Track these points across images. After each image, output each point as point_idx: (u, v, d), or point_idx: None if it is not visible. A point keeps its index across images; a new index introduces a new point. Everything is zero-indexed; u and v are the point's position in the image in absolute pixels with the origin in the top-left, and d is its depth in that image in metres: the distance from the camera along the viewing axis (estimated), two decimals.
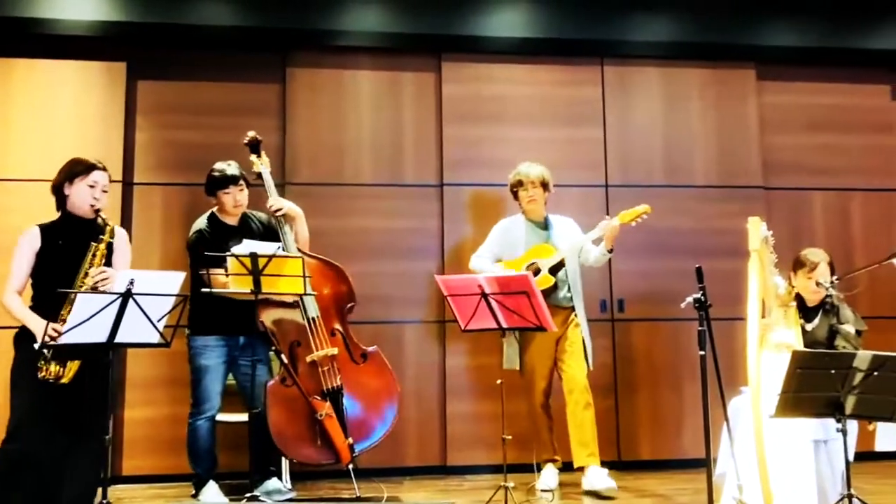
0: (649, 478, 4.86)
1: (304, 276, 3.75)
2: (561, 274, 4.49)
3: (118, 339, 3.14)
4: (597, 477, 4.24)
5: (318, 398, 4.06)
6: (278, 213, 4.27)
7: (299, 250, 4.24)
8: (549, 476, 4.45)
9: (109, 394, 3.29)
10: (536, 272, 4.42)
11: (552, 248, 4.48)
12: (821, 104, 5.70)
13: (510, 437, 3.79)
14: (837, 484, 3.42)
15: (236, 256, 3.70)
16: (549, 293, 4.39)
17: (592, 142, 5.38)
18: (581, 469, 4.34)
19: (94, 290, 3.30)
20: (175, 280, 3.25)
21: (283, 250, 4.16)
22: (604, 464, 4.39)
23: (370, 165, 5.25)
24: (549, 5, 5.39)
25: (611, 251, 4.43)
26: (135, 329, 3.16)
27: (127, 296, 3.08)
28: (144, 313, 3.14)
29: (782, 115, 5.66)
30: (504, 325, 3.77)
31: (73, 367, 3.30)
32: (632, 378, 5.23)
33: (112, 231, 3.51)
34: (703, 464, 3.23)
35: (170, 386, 4.86)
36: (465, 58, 5.37)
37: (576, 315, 4.51)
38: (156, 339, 3.22)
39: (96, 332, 3.09)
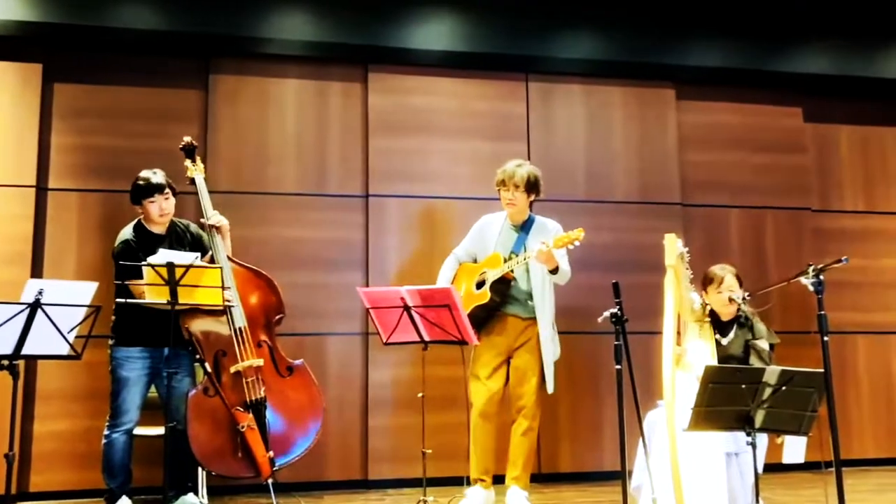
0: (568, 490, 4.93)
1: (222, 287, 3.68)
2: (522, 284, 4.31)
3: (25, 350, 3.03)
4: (512, 499, 4.21)
5: (241, 409, 4.00)
6: (217, 225, 4.20)
7: (229, 258, 4.18)
8: (474, 498, 4.23)
9: None
10: (482, 283, 4.29)
11: (501, 260, 4.30)
12: (737, 124, 5.90)
13: (430, 451, 3.78)
14: (748, 495, 3.52)
15: (152, 266, 3.61)
16: (508, 302, 4.29)
17: (516, 156, 5.35)
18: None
19: None
20: (87, 290, 3.15)
21: (215, 261, 4.10)
22: None
23: (294, 175, 5.19)
24: (476, 20, 5.44)
25: (554, 272, 4.25)
26: (44, 341, 3.06)
27: (35, 306, 2.97)
28: (54, 324, 3.04)
29: (700, 134, 5.83)
30: (426, 339, 3.77)
31: None
32: (554, 391, 5.28)
33: None
34: (620, 476, 3.29)
35: (87, 398, 4.71)
36: (392, 69, 5.37)
37: (538, 330, 4.27)
38: (66, 350, 3.12)
39: (1, 344, 2.97)
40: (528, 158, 5.44)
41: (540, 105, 5.59)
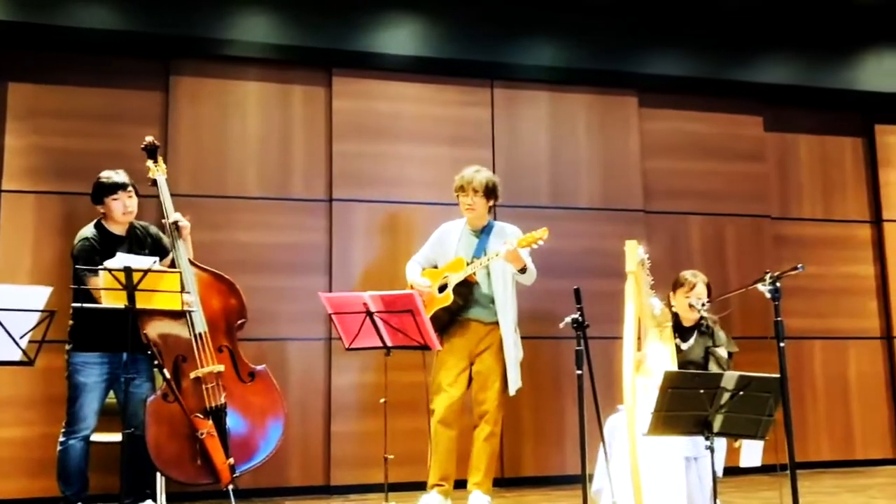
0: (532, 494, 4.94)
1: (181, 292, 3.63)
2: (484, 288, 4.32)
3: None
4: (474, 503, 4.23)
5: (200, 416, 3.95)
6: (180, 224, 4.13)
7: (191, 262, 4.12)
8: (430, 502, 4.23)
9: None
10: (445, 287, 4.29)
11: (465, 263, 4.31)
12: (699, 132, 5.97)
13: (392, 457, 3.77)
14: (707, 498, 3.55)
15: (110, 270, 3.55)
16: (470, 306, 4.30)
17: (481, 162, 5.36)
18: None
19: None
20: (40, 295, 3.08)
21: (176, 264, 4.04)
22: None
23: (256, 178, 5.15)
24: (441, 25, 5.44)
25: (522, 271, 4.27)
26: None
27: None
28: (6, 330, 2.97)
29: (662, 142, 5.89)
30: (389, 344, 3.76)
31: None
32: (515, 395, 5.29)
33: None
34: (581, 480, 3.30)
35: (42, 404, 4.62)
36: (357, 73, 5.35)
37: (500, 334, 4.28)
38: (18, 356, 3.05)
39: None
40: (493, 164, 5.46)
41: (505, 111, 5.61)
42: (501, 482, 5.09)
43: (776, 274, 3.28)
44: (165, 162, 4.38)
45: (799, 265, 3.38)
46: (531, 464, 5.30)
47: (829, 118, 6.32)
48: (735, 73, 5.96)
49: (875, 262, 6.27)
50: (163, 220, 4.19)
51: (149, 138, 4.31)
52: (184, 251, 4.12)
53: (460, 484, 4.36)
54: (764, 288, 3.28)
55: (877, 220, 6.29)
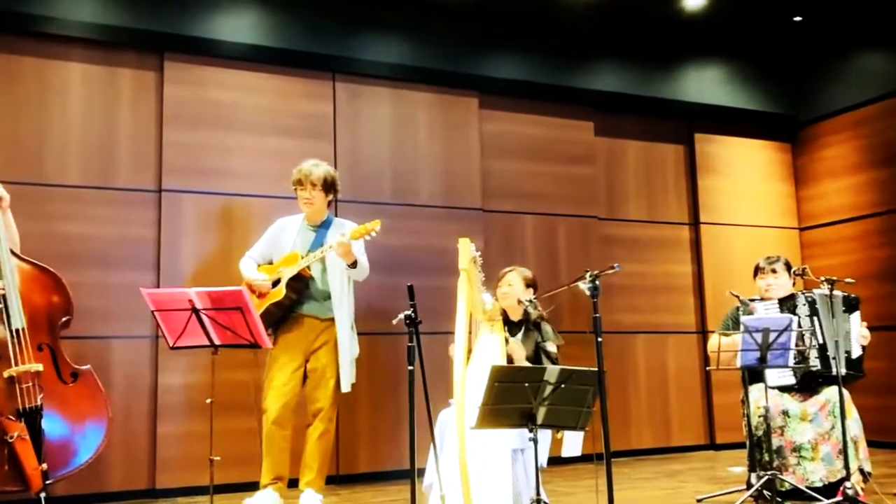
0: (365, 490, 4.94)
1: None
2: (320, 283, 4.29)
3: None
4: (306, 503, 4.19)
5: (12, 418, 3.70)
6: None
7: (13, 252, 3.85)
8: (264, 499, 4.16)
9: None
10: (278, 281, 4.22)
11: (299, 257, 4.26)
12: (534, 135, 6.17)
13: (218, 458, 3.65)
14: (532, 488, 3.67)
15: None
16: (304, 301, 4.26)
17: (322, 156, 5.31)
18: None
19: None
20: None
21: None
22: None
23: (77, 166, 4.84)
24: (282, 15, 5.34)
25: (353, 265, 4.26)
26: None
27: None
28: None
29: (501, 143, 6.05)
30: (216, 343, 3.63)
31: None
32: (352, 392, 5.27)
33: None
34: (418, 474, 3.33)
35: None
36: (191, 59, 5.14)
37: (336, 330, 4.26)
38: None
39: None
40: (335, 158, 5.41)
41: (347, 106, 5.57)
42: (336, 479, 5.06)
43: (595, 273, 3.43)
44: None
45: (615, 265, 3.56)
46: (367, 460, 5.30)
47: (653, 125, 6.71)
48: (569, 79, 6.22)
49: (693, 262, 6.71)
50: None
51: None
52: (3, 229, 3.81)
53: (292, 483, 4.30)
54: (584, 286, 3.42)
55: (695, 223, 6.74)
